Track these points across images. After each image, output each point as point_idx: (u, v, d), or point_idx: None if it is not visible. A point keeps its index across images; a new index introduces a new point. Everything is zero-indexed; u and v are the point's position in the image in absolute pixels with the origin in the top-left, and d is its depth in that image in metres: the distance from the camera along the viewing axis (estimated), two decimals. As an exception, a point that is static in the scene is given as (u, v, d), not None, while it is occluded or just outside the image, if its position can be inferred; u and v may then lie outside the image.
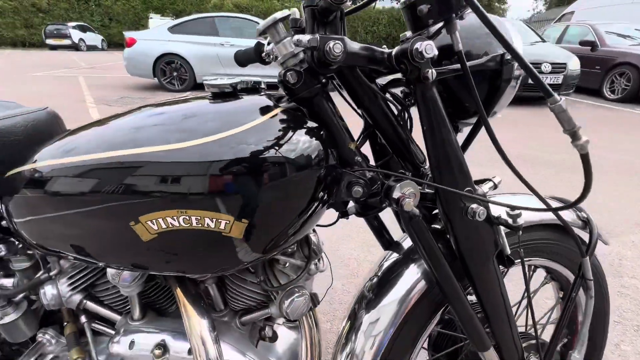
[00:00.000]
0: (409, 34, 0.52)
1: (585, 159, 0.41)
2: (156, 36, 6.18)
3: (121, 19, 19.27)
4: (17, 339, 0.65)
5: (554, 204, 0.55)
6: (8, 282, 0.63)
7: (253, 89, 0.55)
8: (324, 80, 0.51)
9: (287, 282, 0.61)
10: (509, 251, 0.59)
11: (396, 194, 0.50)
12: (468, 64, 0.48)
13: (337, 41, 0.44)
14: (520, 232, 0.57)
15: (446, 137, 0.51)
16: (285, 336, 0.78)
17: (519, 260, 0.60)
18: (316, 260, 0.66)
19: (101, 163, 0.45)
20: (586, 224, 0.73)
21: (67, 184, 0.46)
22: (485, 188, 0.61)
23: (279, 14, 0.46)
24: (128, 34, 6.26)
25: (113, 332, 0.65)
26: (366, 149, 0.61)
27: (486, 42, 0.55)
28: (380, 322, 0.63)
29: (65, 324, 0.66)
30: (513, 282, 0.78)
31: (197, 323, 0.58)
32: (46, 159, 0.49)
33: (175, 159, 0.44)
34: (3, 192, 0.53)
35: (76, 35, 16.78)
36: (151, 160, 0.44)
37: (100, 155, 0.45)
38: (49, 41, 16.72)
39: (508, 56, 0.52)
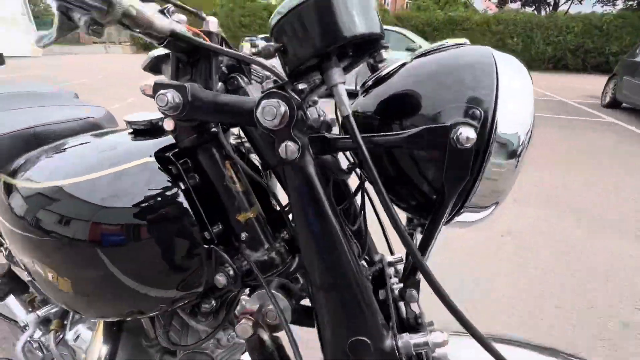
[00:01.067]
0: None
1: None
2: None
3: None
4: None
5: None
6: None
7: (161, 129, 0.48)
8: (212, 129, 0.41)
9: (188, 345, 0.54)
10: None
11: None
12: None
13: (170, 90, 0.34)
14: None
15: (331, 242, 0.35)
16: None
17: None
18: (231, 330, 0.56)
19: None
20: None
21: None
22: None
23: (154, 52, 0.42)
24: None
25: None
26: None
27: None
28: None
29: None
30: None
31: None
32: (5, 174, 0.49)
33: (29, 194, 0.44)
34: None
35: (262, 44, 15.64)
36: (30, 194, 0.44)
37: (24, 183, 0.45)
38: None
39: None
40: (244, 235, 0.42)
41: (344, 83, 0.34)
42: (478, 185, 0.34)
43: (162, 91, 0.34)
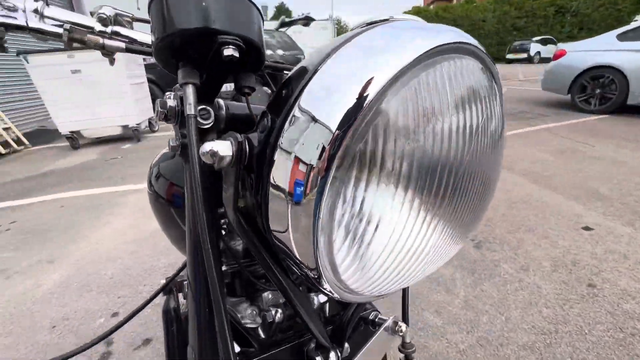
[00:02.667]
0: None
1: None
2: (594, 46, 4.98)
3: (595, 27, 18.91)
4: None
5: None
6: None
7: None
8: None
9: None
10: None
11: None
12: None
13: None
14: None
15: None
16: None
17: None
18: None
19: None
20: None
21: None
22: None
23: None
24: (561, 46, 5.39)
25: None
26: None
27: None
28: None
29: None
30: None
31: None
32: None
33: None
34: None
35: (534, 48, 18.28)
36: None
37: None
38: (509, 56, 18.87)
39: None
40: None
41: (194, 84, 0.35)
42: None
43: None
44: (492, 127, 0.34)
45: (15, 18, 0.48)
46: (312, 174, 0.27)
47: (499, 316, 1.43)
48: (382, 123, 0.27)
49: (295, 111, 0.28)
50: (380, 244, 0.32)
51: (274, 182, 0.29)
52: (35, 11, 0.49)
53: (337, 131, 0.26)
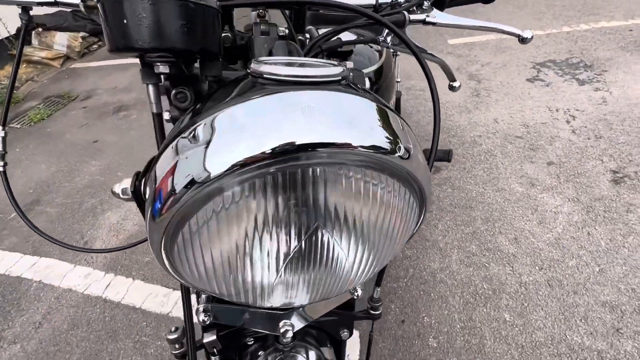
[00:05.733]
0: None
1: None
2: None
3: None
4: None
5: None
6: None
7: None
8: None
9: None
10: None
11: None
12: None
13: None
14: None
15: None
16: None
17: None
18: None
19: None
20: None
21: None
22: None
23: None
24: None
25: None
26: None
27: None
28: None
29: None
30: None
31: None
32: None
33: None
34: None
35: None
36: None
37: None
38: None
39: None
40: None
41: (155, 84, 0.38)
42: None
43: None
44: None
45: None
46: (171, 198, 0.27)
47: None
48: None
49: (199, 129, 0.29)
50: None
51: (154, 176, 0.30)
52: None
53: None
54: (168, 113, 0.44)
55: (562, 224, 1.63)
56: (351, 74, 0.48)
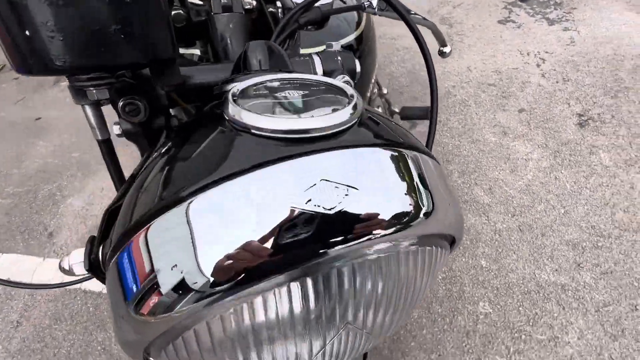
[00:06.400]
0: None
1: None
2: None
3: None
4: None
5: None
6: None
7: None
8: None
9: None
10: None
11: None
12: None
13: None
14: None
15: None
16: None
17: None
18: None
19: None
20: None
21: None
22: None
23: None
24: None
25: None
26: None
27: None
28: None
29: None
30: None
31: None
32: None
33: None
34: None
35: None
36: None
37: None
38: None
39: None
40: None
41: (95, 104, 0.30)
42: None
43: None
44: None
45: None
46: (154, 299, 0.20)
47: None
48: None
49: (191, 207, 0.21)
50: None
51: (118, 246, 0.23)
52: None
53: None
54: (118, 127, 0.36)
55: (532, 170, 1.71)
56: (339, 57, 0.42)
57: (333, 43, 0.41)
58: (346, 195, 0.21)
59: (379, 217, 0.21)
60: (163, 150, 0.27)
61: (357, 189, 0.21)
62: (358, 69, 0.42)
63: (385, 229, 0.22)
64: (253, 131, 0.23)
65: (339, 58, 0.41)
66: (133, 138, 0.36)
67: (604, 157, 1.71)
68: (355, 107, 0.25)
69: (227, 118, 0.24)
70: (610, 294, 1.27)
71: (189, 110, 0.41)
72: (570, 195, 1.59)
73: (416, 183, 0.24)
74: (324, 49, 0.42)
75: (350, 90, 0.27)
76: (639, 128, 1.82)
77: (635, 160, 1.68)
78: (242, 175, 0.20)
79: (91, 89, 0.27)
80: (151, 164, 0.26)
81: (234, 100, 0.24)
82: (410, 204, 0.23)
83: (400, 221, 0.22)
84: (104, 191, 1.86)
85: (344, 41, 0.75)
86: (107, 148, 0.32)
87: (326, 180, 0.21)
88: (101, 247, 0.26)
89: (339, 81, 0.28)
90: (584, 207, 1.54)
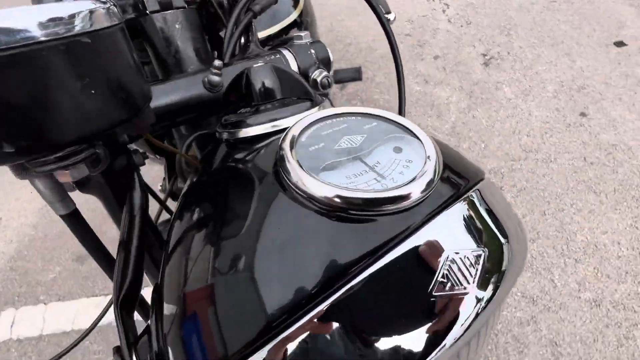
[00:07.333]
0: None
1: None
2: None
3: None
4: None
5: None
6: None
7: None
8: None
9: None
10: None
11: None
12: None
13: None
14: None
15: None
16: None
17: None
18: None
19: None
20: None
21: None
22: None
23: None
24: None
25: None
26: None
27: None
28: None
29: None
30: None
31: None
32: None
33: None
34: None
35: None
36: None
37: None
38: None
39: None
40: None
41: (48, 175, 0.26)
42: None
43: None
44: None
45: None
46: None
47: None
48: None
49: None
50: None
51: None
52: None
53: None
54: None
55: (454, 113, 1.89)
56: (312, 50, 0.39)
57: (302, 34, 0.38)
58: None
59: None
60: (207, 232, 0.21)
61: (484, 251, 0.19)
62: (332, 57, 0.40)
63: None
64: (339, 211, 0.18)
65: (312, 51, 0.38)
66: (94, 191, 0.30)
67: (507, 91, 1.97)
68: (430, 158, 0.21)
69: (293, 186, 0.19)
70: (526, 207, 1.54)
71: (150, 140, 0.34)
72: (486, 129, 1.82)
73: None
74: (292, 42, 0.38)
75: (412, 126, 0.24)
76: (529, 61, 2.11)
77: (530, 90, 1.96)
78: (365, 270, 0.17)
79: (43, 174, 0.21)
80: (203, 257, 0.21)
81: (299, 165, 0.19)
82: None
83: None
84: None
85: (291, 18, 0.70)
86: (74, 219, 0.26)
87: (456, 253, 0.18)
88: None
89: (392, 113, 0.25)
90: (498, 138, 1.78)
